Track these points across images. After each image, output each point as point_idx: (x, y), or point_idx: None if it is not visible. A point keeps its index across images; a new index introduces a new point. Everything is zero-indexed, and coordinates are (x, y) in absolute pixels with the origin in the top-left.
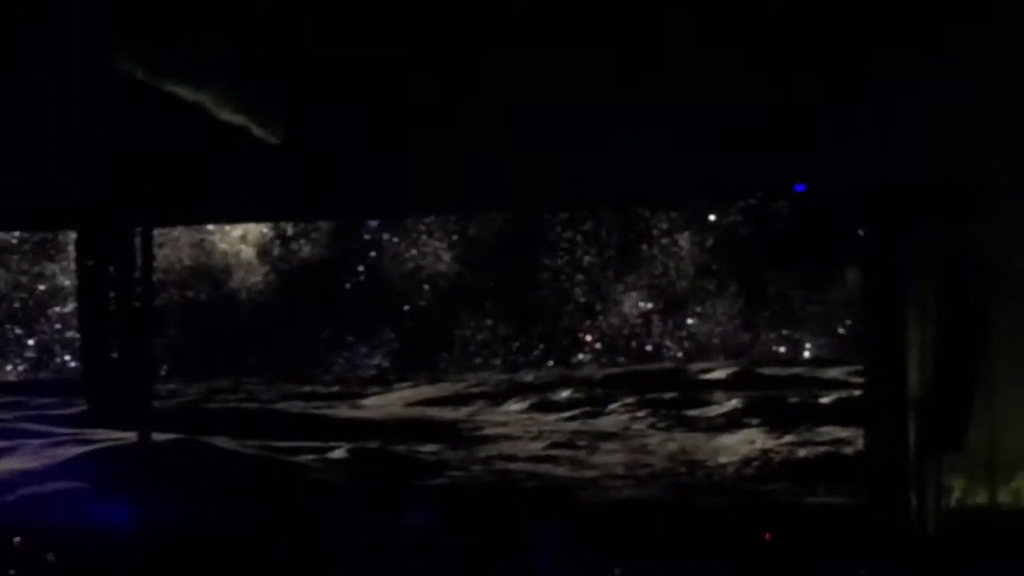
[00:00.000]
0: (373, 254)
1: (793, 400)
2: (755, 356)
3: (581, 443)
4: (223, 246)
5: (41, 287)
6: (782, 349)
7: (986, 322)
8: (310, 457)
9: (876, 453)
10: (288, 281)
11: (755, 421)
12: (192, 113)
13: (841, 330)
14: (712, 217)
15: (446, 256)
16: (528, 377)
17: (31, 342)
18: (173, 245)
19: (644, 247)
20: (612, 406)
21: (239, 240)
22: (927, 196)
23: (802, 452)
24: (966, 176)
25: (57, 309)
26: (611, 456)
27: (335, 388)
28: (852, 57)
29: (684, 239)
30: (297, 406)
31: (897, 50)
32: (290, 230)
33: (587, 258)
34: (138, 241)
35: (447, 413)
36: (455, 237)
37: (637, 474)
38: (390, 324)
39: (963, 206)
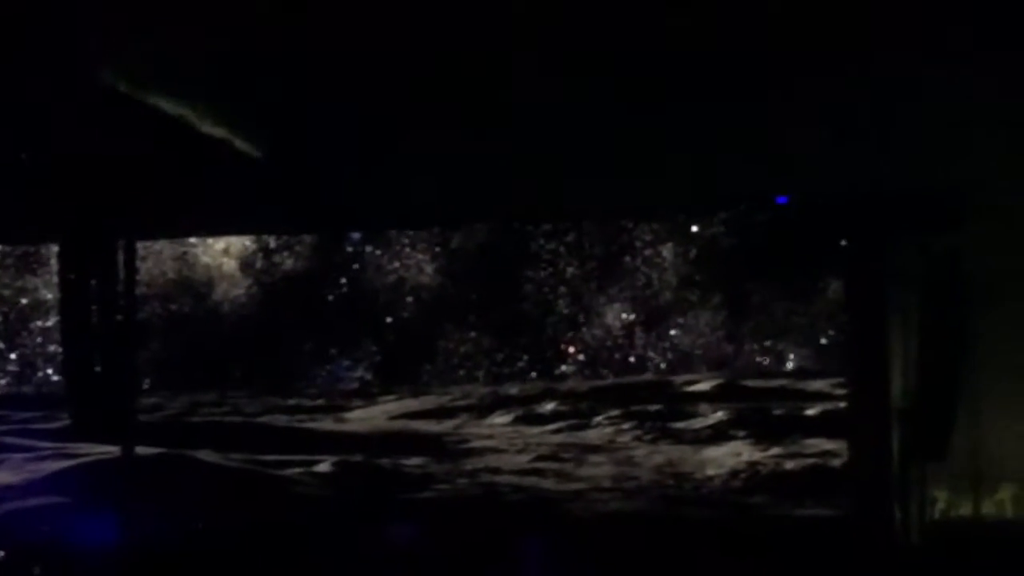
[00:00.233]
0: (356, 266)
1: (778, 412)
2: (739, 367)
3: (567, 456)
4: (206, 259)
5: (23, 300)
6: (765, 360)
7: (970, 333)
8: (295, 471)
9: (860, 464)
10: (271, 294)
11: (740, 433)
12: (175, 125)
13: (824, 340)
14: (695, 228)
15: (429, 268)
16: (513, 390)
17: (13, 356)
18: (156, 258)
19: (627, 259)
20: (597, 419)
21: (222, 253)
22: (911, 207)
23: (787, 464)
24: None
25: (39, 323)
26: (597, 469)
27: (319, 401)
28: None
29: (667, 250)
30: (281, 419)
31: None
32: (273, 243)
33: (570, 270)
34: (121, 254)
35: (432, 426)
36: (438, 249)
37: (623, 487)
38: (373, 337)
39: (947, 217)
